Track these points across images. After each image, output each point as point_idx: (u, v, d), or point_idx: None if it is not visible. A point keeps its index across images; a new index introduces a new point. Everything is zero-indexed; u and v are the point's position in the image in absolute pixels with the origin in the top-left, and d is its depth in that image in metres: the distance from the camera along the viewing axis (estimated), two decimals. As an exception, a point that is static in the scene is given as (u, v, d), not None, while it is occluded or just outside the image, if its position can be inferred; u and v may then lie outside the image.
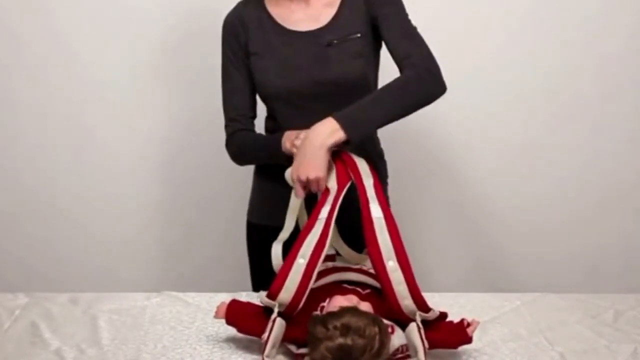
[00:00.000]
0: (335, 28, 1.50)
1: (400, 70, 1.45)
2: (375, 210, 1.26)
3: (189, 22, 2.09)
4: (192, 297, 1.56)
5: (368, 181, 1.30)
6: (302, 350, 1.26)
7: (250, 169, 1.69)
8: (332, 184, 1.32)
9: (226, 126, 1.59)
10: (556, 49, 2.16)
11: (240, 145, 1.57)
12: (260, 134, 1.59)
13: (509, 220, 2.35)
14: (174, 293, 1.58)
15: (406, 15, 1.50)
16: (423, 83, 1.41)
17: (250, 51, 1.53)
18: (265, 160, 1.58)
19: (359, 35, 1.50)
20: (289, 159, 1.41)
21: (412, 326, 1.23)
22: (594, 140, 2.27)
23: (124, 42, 2.10)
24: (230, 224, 1.99)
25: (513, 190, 2.32)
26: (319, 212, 1.28)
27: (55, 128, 2.17)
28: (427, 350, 1.20)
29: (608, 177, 2.31)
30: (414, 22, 1.49)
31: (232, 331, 1.36)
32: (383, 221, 1.25)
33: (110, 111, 2.16)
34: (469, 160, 2.26)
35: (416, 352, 1.20)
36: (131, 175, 2.23)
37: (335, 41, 1.48)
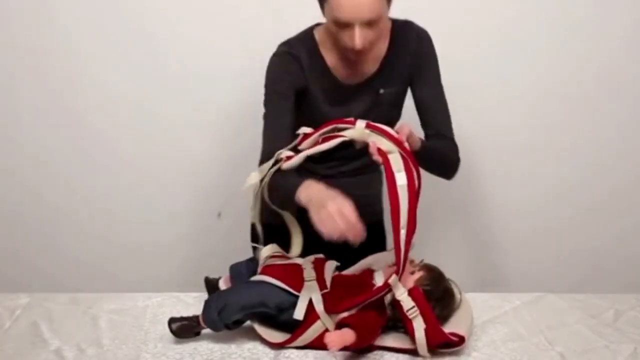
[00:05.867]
0: (382, 79, 1.54)
1: (428, 134, 1.58)
2: (400, 178, 1.27)
3: (196, 22, 2.09)
4: (192, 297, 1.56)
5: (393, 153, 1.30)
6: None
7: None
8: (376, 157, 1.32)
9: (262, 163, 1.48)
10: (557, 49, 2.16)
11: (270, 183, 1.46)
12: (284, 173, 1.43)
13: (510, 220, 2.35)
14: (174, 293, 1.58)
15: (440, 79, 1.57)
16: (457, 162, 1.59)
17: (310, 93, 1.53)
18: (282, 200, 1.47)
19: (400, 87, 1.58)
20: (298, 209, 1.37)
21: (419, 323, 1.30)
22: (594, 141, 2.27)
23: (131, 44, 2.10)
24: (231, 224, 1.99)
25: (513, 191, 2.32)
26: (394, 182, 1.27)
27: (56, 129, 2.17)
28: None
29: (608, 178, 2.30)
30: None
31: (231, 331, 1.36)
32: (406, 189, 1.27)
33: (110, 110, 2.17)
34: (469, 161, 2.25)
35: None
36: (130, 176, 2.23)
37: (381, 91, 1.53)
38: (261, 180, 1.43)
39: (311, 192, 1.30)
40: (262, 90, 1.55)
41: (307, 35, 1.54)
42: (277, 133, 1.48)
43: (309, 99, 1.53)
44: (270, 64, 1.53)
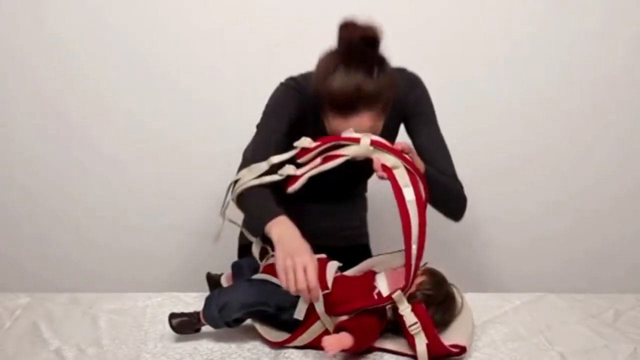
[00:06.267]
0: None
1: None
2: (408, 193, 1.29)
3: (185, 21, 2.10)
4: (192, 297, 1.57)
5: (399, 169, 1.32)
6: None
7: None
8: (381, 173, 1.33)
9: (242, 168, 1.47)
10: (555, 59, 2.17)
11: (244, 191, 1.44)
12: (265, 191, 1.42)
13: (510, 221, 2.35)
14: (174, 293, 1.58)
15: (437, 122, 1.55)
16: (464, 201, 1.57)
17: (305, 131, 1.48)
18: (250, 216, 1.50)
19: (392, 134, 1.57)
20: (262, 238, 1.37)
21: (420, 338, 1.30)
22: (594, 146, 2.28)
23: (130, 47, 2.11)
24: (231, 226, 2.00)
25: (515, 192, 2.32)
26: (402, 197, 1.28)
27: (59, 130, 2.18)
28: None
29: (608, 186, 2.32)
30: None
31: (232, 331, 1.36)
32: (415, 204, 1.29)
33: (108, 112, 2.17)
34: (471, 162, 2.26)
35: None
36: (130, 177, 2.24)
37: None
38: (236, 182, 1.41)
39: (283, 235, 1.29)
40: (263, 100, 1.55)
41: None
42: (268, 146, 1.47)
43: (302, 136, 1.49)
44: (276, 91, 1.54)
